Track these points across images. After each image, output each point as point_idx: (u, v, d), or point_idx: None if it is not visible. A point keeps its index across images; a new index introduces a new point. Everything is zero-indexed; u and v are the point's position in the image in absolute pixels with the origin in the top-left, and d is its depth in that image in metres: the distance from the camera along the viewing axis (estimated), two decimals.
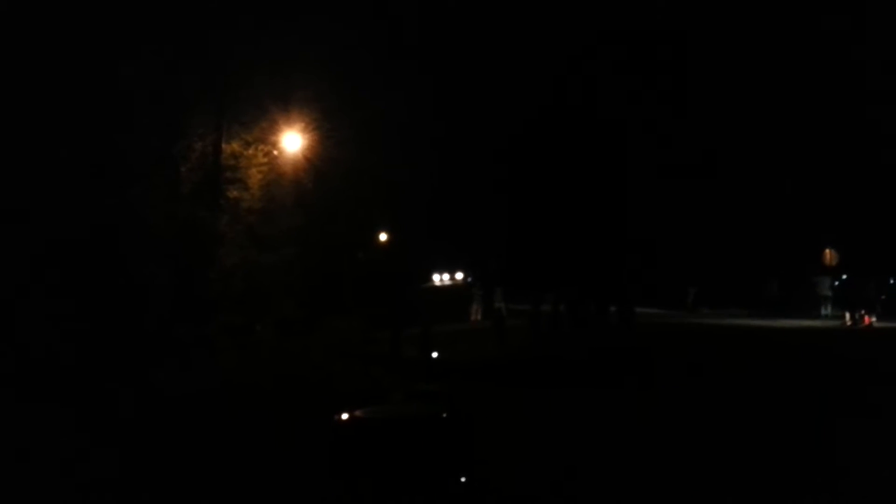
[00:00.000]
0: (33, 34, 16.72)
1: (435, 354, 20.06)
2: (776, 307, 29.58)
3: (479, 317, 30.43)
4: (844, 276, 27.87)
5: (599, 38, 27.90)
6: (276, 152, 24.66)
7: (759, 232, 32.94)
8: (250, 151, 23.69)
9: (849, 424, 10.99)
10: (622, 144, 27.90)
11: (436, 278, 77.20)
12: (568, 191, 27.96)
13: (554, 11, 28.19)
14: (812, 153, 31.86)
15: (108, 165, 18.20)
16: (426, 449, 9.29)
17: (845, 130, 31.38)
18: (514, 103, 28.80)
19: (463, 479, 9.10)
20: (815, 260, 29.07)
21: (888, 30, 28.48)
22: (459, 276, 76.31)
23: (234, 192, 23.41)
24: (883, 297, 26.41)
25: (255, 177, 23.80)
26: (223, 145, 22.88)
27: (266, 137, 24.16)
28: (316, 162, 25.79)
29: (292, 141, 24.71)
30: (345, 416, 9.83)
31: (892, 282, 31.23)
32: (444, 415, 10.03)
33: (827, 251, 28.88)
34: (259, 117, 23.70)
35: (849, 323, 24.71)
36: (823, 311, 28.07)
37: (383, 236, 41.60)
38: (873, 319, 24.67)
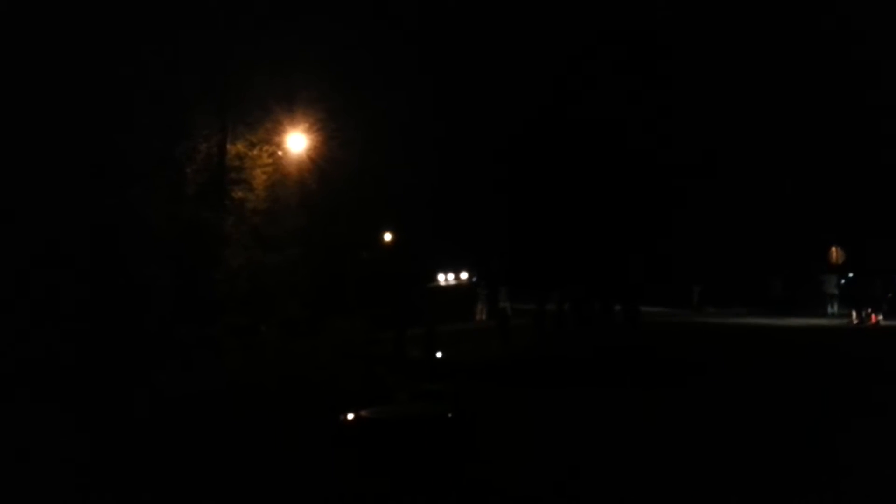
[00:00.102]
0: (33, 34, 16.74)
1: (439, 354, 20.02)
2: (781, 306, 29.56)
3: (483, 316, 30.40)
4: (851, 275, 27.80)
5: (599, 38, 27.84)
6: (280, 153, 24.69)
7: (764, 231, 32.87)
8: (255, 152, 23.72)
9: (855, 423, 10.93)
10: (622, 144, 27.83)
11: (441, 278, 77.19)
12: (570, 190, 27.89)
13: (554, 11, 28.13)
14: (816, 151, 31.77)
15: (108, 165, 18.22)
16: (432, 448, 9.27)
17: (849, 129, 31.31)
18: (514, 103, 28.74)
19: (467, 479, 9.04)
20: (821, 258, 29.02)
21: (888, 30, 28.42)
22: (464, 275, 76.34)
23: (239, 193, 23.46)
24: (889, 295, 26.32)
25: (259, 177, 23.83)
26: (228, 146, 22.92)
27: (270, 138, 24.19)
28: (320, 162, 25.79)
29: (296, 141, 24.73)
30: (350, 415, 9.80)
31: None
32: (450, 414, 10.00)
33: (833, 249, 28.83)
34: (263, 118, 23.73)
35: (855, 321, 24.63)
36: (829, 310, 28.01)
37: (387, 236, 41.59)
38: (880, 318, 24.59)
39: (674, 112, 28.19)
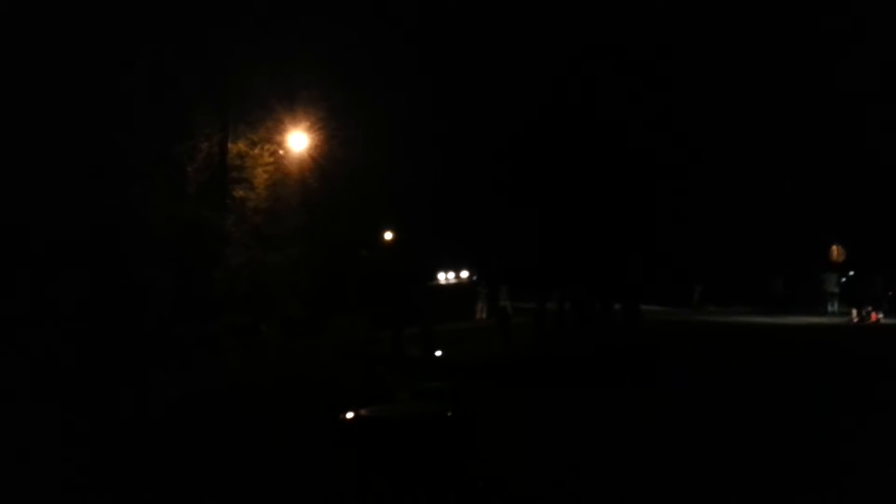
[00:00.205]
0: (34, 35, 16.75)
1: (438, 353, 20.02)
2: (782, 304, 29.52)
3: (484, 315, 30.38)
4: (851, 273, 27.76)
5: (600, 38, 27.85)
6: (281, 152, 24.70)
7: (765, 230, 32.85)
8: (256, 151, 23.73)
9: (857, 420, 10.91)
10: (622, 144, 27.83)
11: (441, 277, 77.29)
12: (570, 189, 27.90)
13: (554, 12, 28.15)
14: (816, 151, 31.75)
15: (108, 165, 18.23)
16: (432, 447, 9.27)
17: (849, 129, 31.29)
18: (514, 103, 28.76)
19: (468, 478, 9.04)
20: (821, 256, 29.00)
21: (888, 30, 28.39)
22: (465, 274, 76.45)
23: (240, 192, 23.47)
24: (890, 293, 26.26)
25: (260, 176, 23.84)
26: (229, 145, 22.93)
27: (272, 137, 24.21)
28: (321, 161, 25.82)
29: (298, 140, 24.74)
30: (350, 414, 9.80)
31: None
32: (450, 413, 10.00)
33: (834, 247, 28.81)
34: (264, 117, 23.76)
35: (856, 319, 24.59)
36: (830, 308, 27.98)
37: (388, 235, 41.62)
38: (880, 316, 24.55)
39: (674, 112, 28.18)
